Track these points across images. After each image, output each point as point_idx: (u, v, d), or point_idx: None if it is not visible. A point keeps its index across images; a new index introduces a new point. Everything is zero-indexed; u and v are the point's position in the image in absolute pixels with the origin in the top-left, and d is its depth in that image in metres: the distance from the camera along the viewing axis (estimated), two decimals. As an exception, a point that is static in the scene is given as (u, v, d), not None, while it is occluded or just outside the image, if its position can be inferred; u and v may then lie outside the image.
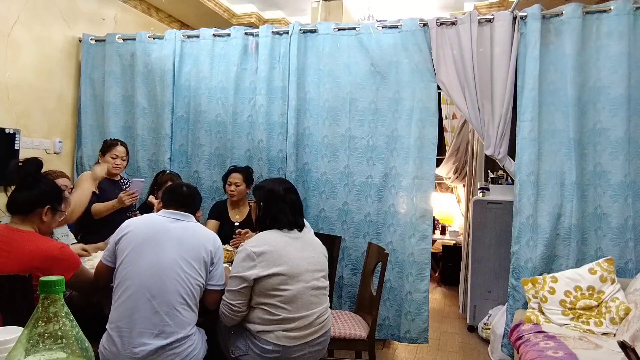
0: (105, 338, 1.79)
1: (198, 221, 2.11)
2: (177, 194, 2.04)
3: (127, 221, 1.97)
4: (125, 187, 3.03)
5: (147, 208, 2.99)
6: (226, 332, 2.05)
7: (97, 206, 2.77)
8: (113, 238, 1.93)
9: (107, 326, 1.80)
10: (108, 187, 2.92)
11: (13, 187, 1.85)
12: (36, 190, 1.81)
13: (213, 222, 3.08)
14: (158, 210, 2.08)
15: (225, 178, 3.07)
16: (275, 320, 1.88)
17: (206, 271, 1.90)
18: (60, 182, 2.41)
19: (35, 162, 1.85)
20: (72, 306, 1.92)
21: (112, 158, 2.92)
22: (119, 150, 2.95)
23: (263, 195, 2.10)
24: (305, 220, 2.18)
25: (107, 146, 2.96)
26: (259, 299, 1.91)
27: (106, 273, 1.92)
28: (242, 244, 2.01)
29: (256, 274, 1.88)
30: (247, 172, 3.06)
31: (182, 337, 1.79)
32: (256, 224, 2.13)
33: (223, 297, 1.95)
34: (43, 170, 2.06)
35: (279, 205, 2.04)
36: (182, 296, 1.81)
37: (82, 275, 1.89)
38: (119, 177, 3.05)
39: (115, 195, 2.84)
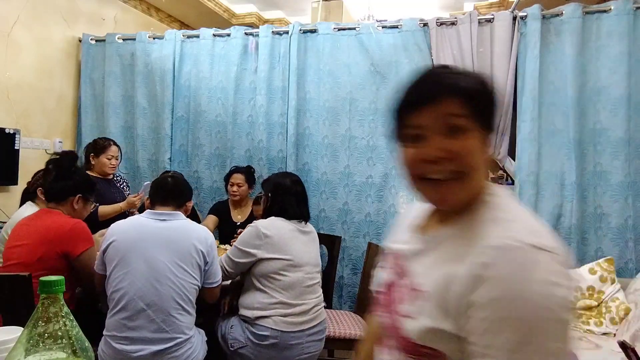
0: (103, 342, 1.77)
1: (189, 211, 2.08)
2: (162, 188, 1.96)
3: (112, 227, 1.89)
4: (120, 185, 3.04)
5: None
6: (225, 326, 2.07)
7: (104, 209, 2.73)
8: (101, 246, 1.87)
9: (104, 332, 1.78)
10: (103, 186, 2.90)
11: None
12: (70, 181, 2.02)
13: (212, 218, 3.07)
14: (148, 206, 2.02)
15: (227, 179, 3.06)
16: (273, 303, 1.97)
17: (200, 272, 1.85)
18: None
19: (71, 155, 2.13)
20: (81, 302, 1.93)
21: (108, 159, 2.91)
22: (114, 150, 2.94)
23: (271, 187, 2.20)
24: None
25: (101, 147, 2.90)
26: (260, 280, 2.01)
27: (104, 280, 1.86)
28: (254, 222, 2.11)
29: (260, 254, 1.99)
30: (248, 172, 3.05)
31: (181, 341, 1.77)
32: (264, 215, 2.19)
33: (222, 258, 2.09)
34: (42, 167, 2.35)
35: (286, 197, 2.15)
36: (177, 302, 1.77)
37: (95, 257, 1.93)
38: (111, 176, 3.05)
39: (110, 195, 2.83)
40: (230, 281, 2.21)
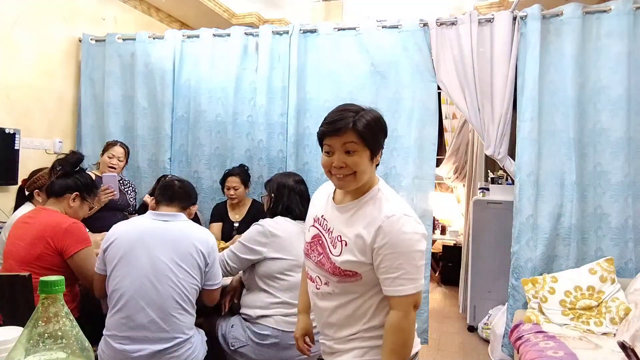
0: (103, 342, 1.78)
1: (193, 215, 2.09)
2: (169, 189, 1.97)
3: (114, 227, 1.90)
4: (124, 189, 3.04)
5: (146, 208, 2.99)
6: (225, 325, 2.07)
7: None
8: (101, 246, 1.88)
9: (104, 332, 1.78)
10: None
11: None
12: (71, 179, 2.06)
13: (216, 226, 3.08)
14: (152, 207, 2.05)
15: (222, 182, 3.06)
16: (276, 302, 1.97)
17: (201, 273, 1.85)
18: None
19: (77, 156, 2.17)
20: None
21: (109, 158, 2.92)
22: (116, 150, 2.95)
23: (274, 187, 2.20)
24: None
25: (106, 146, 2.98)
26: (265, 280, 2.01)
27: (104, 281, 1.85)
28: (260, 220, 2.11)
29: (266, 253, 1.99)
30: (243, 173, 3.04)
31: (181, 341, 1.78)
32: (267, 214, 2.19)
33: (224, 252, 2.08)
34: (41, 166, 2.50)
35: (291, 196, 2.16)
36: (177, 301, 1.77)
37: (91, 257, 1.94)
38: (118, 178, 3.04)
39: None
40: (230, 281, 2.21)
